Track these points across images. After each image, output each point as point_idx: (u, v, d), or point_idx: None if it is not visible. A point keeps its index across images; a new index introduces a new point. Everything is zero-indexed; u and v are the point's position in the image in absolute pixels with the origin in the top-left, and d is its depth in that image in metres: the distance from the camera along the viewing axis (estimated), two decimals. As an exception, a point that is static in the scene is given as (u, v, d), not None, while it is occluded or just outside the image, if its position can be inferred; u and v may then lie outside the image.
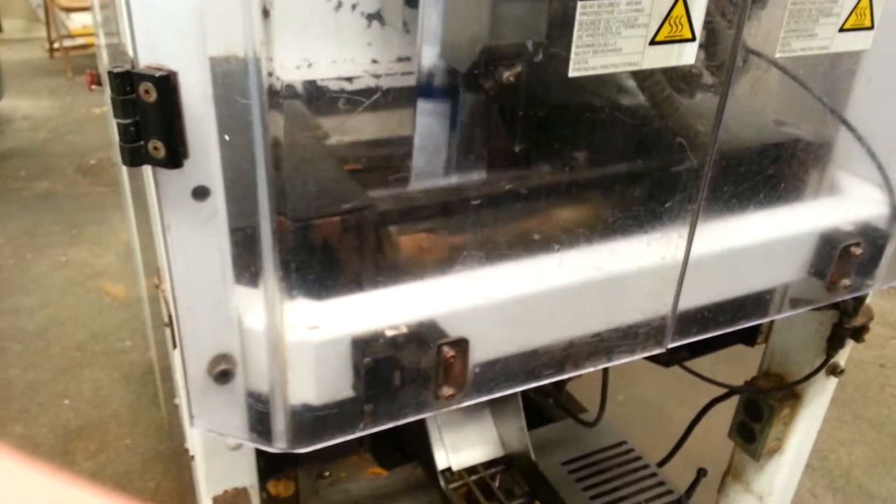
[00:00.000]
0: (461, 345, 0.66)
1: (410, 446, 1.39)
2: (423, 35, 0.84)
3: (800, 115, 0.92)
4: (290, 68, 0.85)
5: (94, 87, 1.47)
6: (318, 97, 0.93)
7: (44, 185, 3.20)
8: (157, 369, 1.73)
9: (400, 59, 1.02)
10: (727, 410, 1.29)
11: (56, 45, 4.69)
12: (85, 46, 4.50)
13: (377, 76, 1.02)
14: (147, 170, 0.55)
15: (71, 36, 4.53)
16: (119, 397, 2.01)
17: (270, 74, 0.51)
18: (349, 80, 1.03)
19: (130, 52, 0.50)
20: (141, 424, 1.92)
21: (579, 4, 0.59)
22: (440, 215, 0.72)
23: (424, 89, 0.84)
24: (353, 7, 0.99)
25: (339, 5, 0.99)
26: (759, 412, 1.24)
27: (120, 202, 2.96)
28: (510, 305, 0.70)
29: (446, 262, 0.71)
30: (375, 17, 1.01)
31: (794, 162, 0.91)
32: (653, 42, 0.63)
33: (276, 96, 0.52)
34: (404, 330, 0.65)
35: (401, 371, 0.64)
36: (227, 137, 0.52)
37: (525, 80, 0.77)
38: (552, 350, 0.73)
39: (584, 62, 0.62)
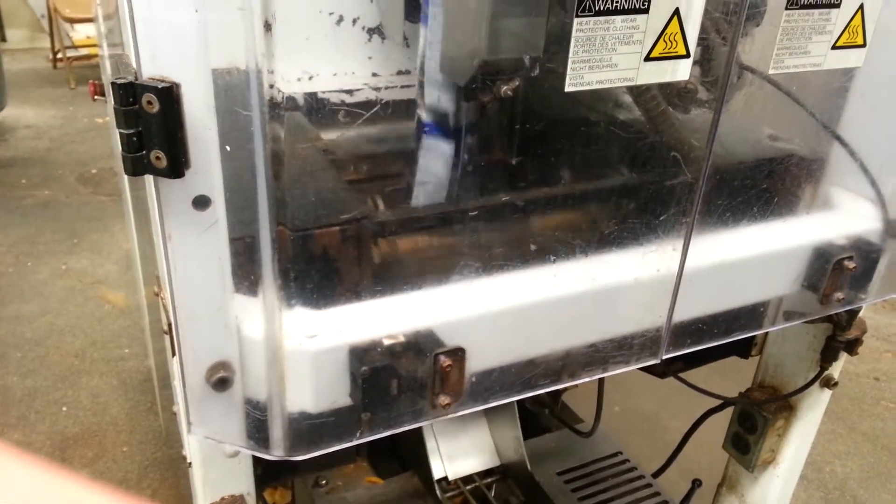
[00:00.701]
0: (458, 354, 0.66)
1: (407, 455, 1.39)
2: (423, 49, 0.86)
3: (793, 130, 0.93)
4: (292, 80, 0.87)
5: (96, 97, 1.48)
6: (318, 109, 0.95)
7: (45, 193, 3.22)
8: (155, 377, 1.73)
9: (400, 73, 1.03)
10: (722, 422, 1.29)
11: (59, 56, 4.72)
12: (88, 57, 4.53)
13: (377, 89, 1.03)
14: (148, 179, 0.56)
15: (74, 46, 4.56)
16: (117, 405, 2.01)
17: (272, 86, 0.52)
18: (349, 92, 1.05)
19: (133, 64, 0.51)
20: (138, 432, 1.92)
21: (576, 21, 0.60)
22: (438, 226, 0.72)
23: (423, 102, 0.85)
24: (354, 21, 1.00)
25: (341, 19, 1.00)
26: (753, 424, 1.24)
27: (120, 211, 2.97)
28: (506, 315, 0.70)
29: (443, 272, 0.72)
30: (376, 31, 1.02)
31: (788, 176, 0.92)
32: (648, 58, 0.64)
33: (277, 108, 0.54)
34: (401, 339, 0.66)
35: (398, 380, 0.65)
36: (228, 148, 0.53)
37: (523, 94, 0.79)
38: (548, 360, 0.74)
39: (579, 77, 0.63)
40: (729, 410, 1.27)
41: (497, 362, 0.71)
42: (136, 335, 2.30)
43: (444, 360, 0.66)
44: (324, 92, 0.97)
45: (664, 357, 0.81)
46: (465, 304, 0.69)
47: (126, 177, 1.40)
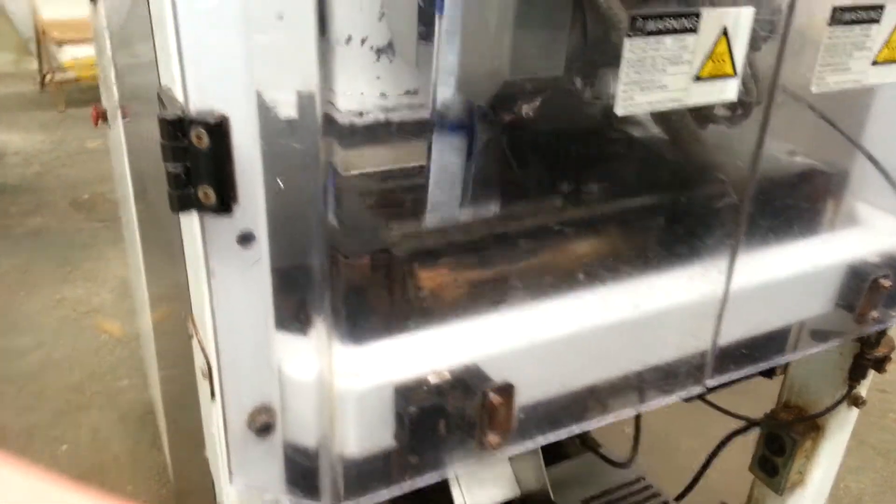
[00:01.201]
0: (507, 390, 0.64)
1: (426, 487, 1.35)
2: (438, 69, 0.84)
3: (826, 147, 0.92)
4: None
5: (100, 122, 1.45)
6: (329, 131, 0.91)
7: (36, 220, 3.16)
8: (160, 409, 1.68)
9: (408, 93, 1.02)
10: (736, 442, 1.26)
11: (48, 79, 4.67)
12: (77, 80, 4.48)
13: (387, 110, 1.01)
14: (190, 216, 0.53)
15: (63, 69, 4.51)
16: (118, 440, 1.96)
17: (332, 109, 0.50)
18: (360, 114, 1.03)
19: (179, 96, 0.49)
20: (142, 468, 1.86)
21: (627, 42, 0.58)
22: (479, 254, 0.70)
23: (445, 124, 0.84)
24: (363, 41, 0.98)
25: (349, 39, 0.98)
26: (781, 445, 1.22)
27: (115, 237, 2.92)
28: (554, 346, 0.68)
29: (486, 302, 0.69)
30: (384, 51, 1.01)
31: (823, 193, 0.91)
32: (697, 78, 0.62)
33: (331, 136, 0.51)
34: (447, 376, 0.63)
35: (446, 419, 0.62)
36: (279, 182, 0.51)
37: (562, 116, 0.77)
38: (595, 393, 0.71)
39: (630, 99, 0.61)
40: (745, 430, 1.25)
41: (545, 396, 0.69)
42: (134, 366, 2.24)
43: (494, 397, 0.63)
44: (335, 113, 0.95)
45: (708, 384, 0.79)
46: (510, 335, 0.67)
47: (133, 203, 1.36)
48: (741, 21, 0.62)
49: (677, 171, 0.79)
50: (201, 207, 0.50)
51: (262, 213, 0.53)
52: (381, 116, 1.02)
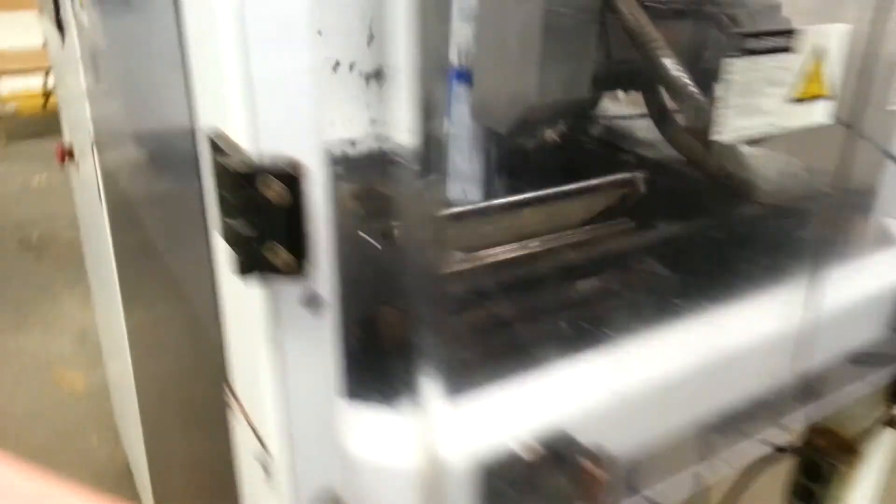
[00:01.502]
0: (602, 457, 0.56)
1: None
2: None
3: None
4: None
5: (66, 160, 1.33)
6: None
7: (-16, 263, 2.95)
8: (141, 468, 1.54)
9: None
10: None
11: (-14, 113, 4.41)
12: (17, 113, 4.23)
13: (380, 138, 0.94)
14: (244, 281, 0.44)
15: (2, 101, 4.26)
16: None
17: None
18: (352, 143, 0.96)
19: (241, 141, 0.40)
20: (120, 533, 1.70)
21: (730, 63, 0.52)
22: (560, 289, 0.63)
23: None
24: (351, 67, 0.92)
25: (337, 65, 0.92)
26: (818, 472, 1.17)
27: (70, 280, 2.74)
28: (646, 395, 0.60)
29: (570, 348, 0.61)
30: (374, 76, 0.94)
31: (860, 212, 0.87)
32: (792, 100, 0.57)
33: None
34: (537, 447, 0.55)
35: (538, 498, 0.54)
36: (370, 239, 0.43)
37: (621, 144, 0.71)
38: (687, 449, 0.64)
39: (727, 124, 0.55)
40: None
41: (636, 457, 0.61)
42: (101, 419, 2.07)
43: (590, 467, 0.55)
44: (324, 142, 0.87)
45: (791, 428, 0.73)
46: (590, 388, 0.59)
47: (111, 243, 1.24)
48: (835, 39, 0.57)
49: (738, 197, 0.73)
50: (271, 269, 0.41)
51: (331, 271, 0.45)
52: (375, 145, 0.96)
